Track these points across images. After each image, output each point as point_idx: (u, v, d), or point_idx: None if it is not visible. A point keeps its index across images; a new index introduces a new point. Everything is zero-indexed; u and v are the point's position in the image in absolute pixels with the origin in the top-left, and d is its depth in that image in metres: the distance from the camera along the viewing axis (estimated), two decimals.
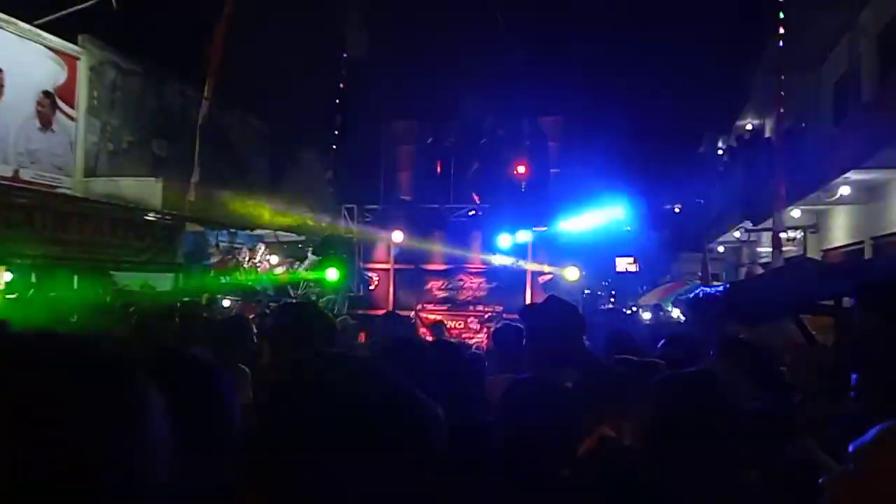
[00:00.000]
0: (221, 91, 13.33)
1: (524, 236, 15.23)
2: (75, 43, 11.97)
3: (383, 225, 15.68)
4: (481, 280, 15.51)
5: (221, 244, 14.87)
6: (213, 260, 14.57)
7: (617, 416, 2.51)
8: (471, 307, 15.41)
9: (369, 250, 15.80)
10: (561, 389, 2.17)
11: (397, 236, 15.09)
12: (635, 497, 1.81)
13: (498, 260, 15.27)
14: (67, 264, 10.11)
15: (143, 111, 13.46)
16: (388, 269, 15.67)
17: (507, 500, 1.85)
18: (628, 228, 19.52)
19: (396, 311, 10.94)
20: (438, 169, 16.62)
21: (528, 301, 14.07)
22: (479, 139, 16.33)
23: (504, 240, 15.07)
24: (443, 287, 15.57)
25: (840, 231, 12.93)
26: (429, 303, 15.42)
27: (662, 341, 5.45)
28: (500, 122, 16.33)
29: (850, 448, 1.28)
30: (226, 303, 11.84)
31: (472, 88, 17.06)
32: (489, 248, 15.39)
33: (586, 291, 17.49)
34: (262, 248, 15.52)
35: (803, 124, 14.80)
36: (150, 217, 11.42)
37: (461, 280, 15.59)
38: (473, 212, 15.57)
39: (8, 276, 9.71)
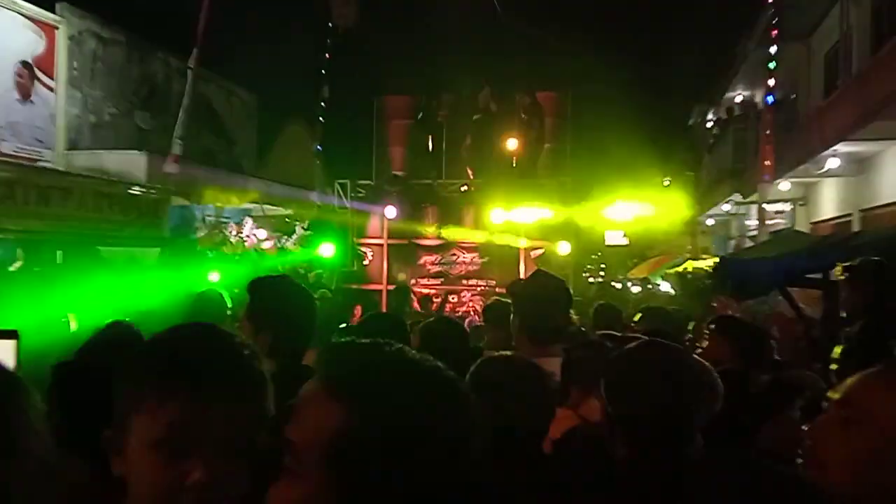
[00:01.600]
0: (207, 61, 13.10)
1: (517, 211, 15.26)
2: (53, 11, 11.69)
3: (376, 200, 15.68)
4: (474, 255, 15.58)
5: (208, 218, 14.73)
6: (200, 234, 14.46)
7: (587, 393, 2.50)
8: (464, 281, 15.49)
9: (362, 225, 15.81)
10: (528, 366, 2.13)
11: (390, 211, 15.10)
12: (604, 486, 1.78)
13: (490, 235, 15.31)
14: (50, 239, 9.98)
15: (125, 82, 13.22)
16: (381, 244, 15.70)
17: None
18: (618, 202, 19.49)
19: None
20: (430, 144, 16.56)
21: (521, 276, 14.09)
22: (472, 114, 16.24)
23: (496, 215, 15.10)
24: (436, 262, 15.64)
25: (829, 204, 12.95)
26: (422, 277, 15.47)
27: (639, 315, 5.43)
28: (493, 96, 16.22)
29: (832, 394, 1.29)
30: (213, 277, 11.73)
31: (465, 62, 16.92)
32: (482, 223, 15.43)
33: (587, 267, 17.59)
34: (249, 222, 15.40)
35: (793, 95, 14.75)
36: (135, 191, 11.28)
37: (454, 255, 15.65)
38: (466, 187, 15.54)
39: None
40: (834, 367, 3.49)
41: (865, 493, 1.19)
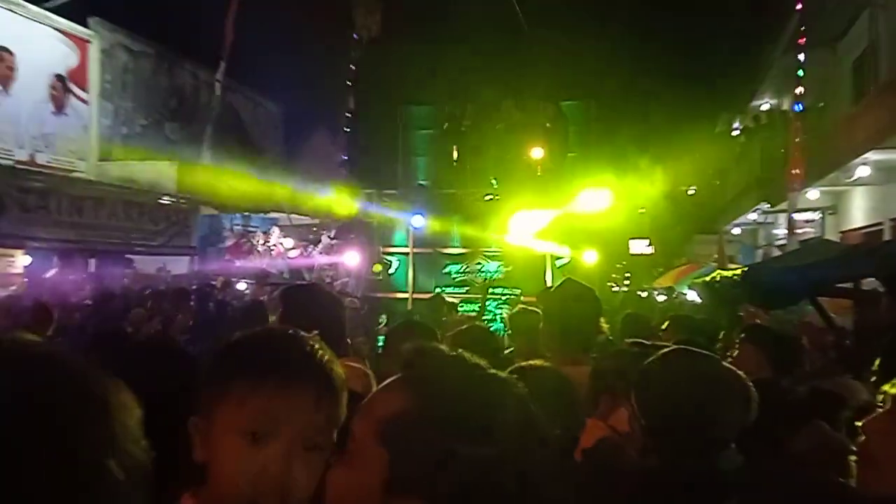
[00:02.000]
0: (233, 73, 13.30)
1: (540, 220, 15.22)
2: (85, 25, 11.96)
3: (402, 209, 15.80)
4: (498, 264, 15.61)
5: (236, 227, 14.92)
6: (228, 243, 14.64)
7: (616, 403, 2.49)
8: (489, 290, 15.52)
9: (388, 234, 15.93)
10: (558, 376, 2.14)
11: (418, 220, 15.22)
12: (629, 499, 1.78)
13: (515, 243, 15.30)
14: (83, 248, 10.18)
15: (155, 94, 13.48)
16: (407, 253, 15.81)
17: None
18: (642, 211, 19.40)
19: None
20: (455, 154, 16.65)
21: (546, 284, 14.06)
22: (496, 123, 16.30)
23: (521, 223, 15.08)
24: (461, 270, 15.72)
25: (859, 212, 12.76)
26: (447, 286, 15.54)
27: (666, 323, 5.40)
28: (517, 105, 16.26)
29: (889, 388, 1.28)
30: (241, 286, 11.88)
31: (489, 72, 16.96)
32: (507, 231, 15.44)
33: (613, 277, 17.57)
34: (276, 231, 15.57)
35: (821, 103, 14.58)
36: (165, 200, 11.46)
37: (479, 263, 15.70)
38: (490, 196, 15.59)
39: (27, 260, 9.77)
40: (873, 378, 3.45)
41: None
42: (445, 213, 15.56)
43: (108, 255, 10.84)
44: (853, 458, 1.30)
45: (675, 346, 2.19)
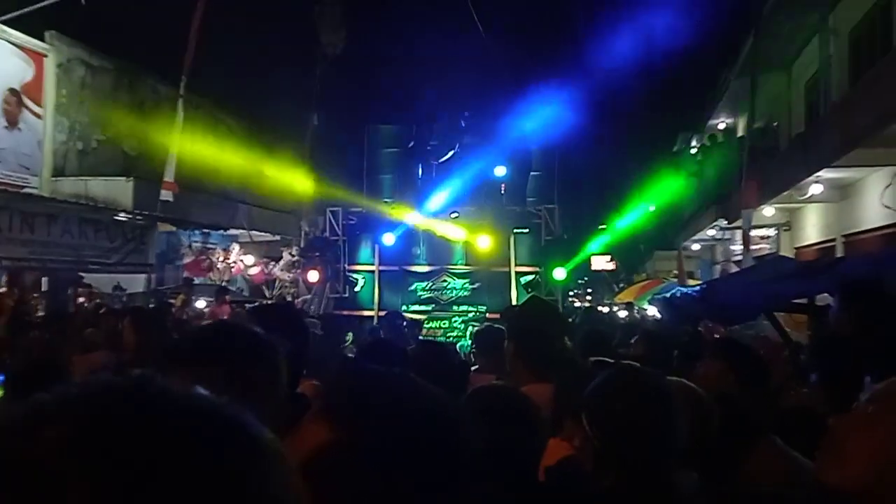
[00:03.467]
0: (196, 88, 13.14)
1: (505, 237, 15.41)
2: (42, 39, 11.72)
3: (367, 227, 15.82)
4: (465, 281, 15.70)
5: (194, 244, 14.68)
6: (186, 260, 14.40)
7: (580, 422, 2.48)
8: (454, 308, 15.60)
9: (354, 252, 15.91)
10: (519, 397, 2.13)
11: (388, 239, 15.29)
12: None
13: (480, 260, 15.42)
14: (35, 266, 9.90)
15: (113, 109, 13.22)
16: (373, 271, 15.81)
17: None
18: (603, 227, 19.66)
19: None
20: (420, 172, 16.77)
21: (512, 301, 14.12)
22: (459, 142, 16.45)
23: (486, 241, 15.23)
24: (427, 288, 15.76)
25: (812, 229, 13.10)
26: (413, 303, 15.56)
27: (635, 338, 5.44)
28: (477, 125, 16.41)
29: (864, 396, 1.31)
30: (200, 304, 11.68)
31: (451, 91, 17.10)
32: (472, 249, 15.56)
33: (575, 292, 17.75)
34: (236, 248, 15.37)
35: (776, 123, 14.98)
36: (121, 217, 11.23)
37: (445, 281, 15.76)
38: (456, 214, 15.68)
39: None
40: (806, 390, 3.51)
41: (879, 491, 1.21)
42: (411, 231, 15.61)
43: (62, 273, 10.57)
44: (818, 451, 1.35)
45: (622, 365, 2.20)
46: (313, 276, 14.72)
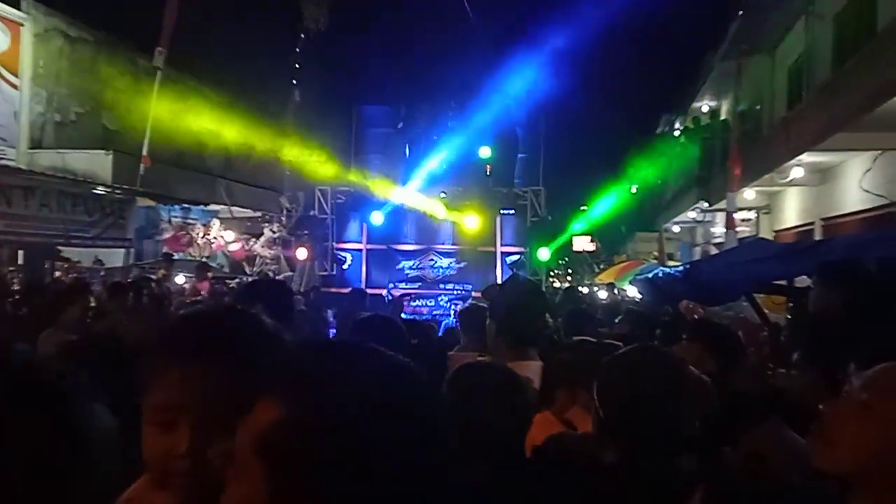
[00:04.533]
0: (177, 62, 12.92)
1: (491, 218, 15.61)
2: (19, 8, 11.44)
3: (356, 206, 15.91)
4: (451, 260, 15.87)
5: (174, 220, 14.53)
6: (166, 236, 14.26)
7: (573, 397, 2.49)
8: (441, 286, 15.76)
9: (342, 230, 15.97)
10: (508, 373, 2.13)
11: (377, 218, 15.37)
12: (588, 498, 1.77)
13: (467, 241, 15.61)
14: (13, 239, 9.76)
15: (92, 81, 12.96)
16: (360, 249, 15.91)
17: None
18: (584, 208, 19.74)
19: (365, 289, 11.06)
20: (407, 152, 16.85)
21: (497, 280, 14.23)
22: (448, 123, 16.52)
23: (473, 221, 15.40)
24: (414, 266, 15.91)
25: (792, 212, 13.22)
26: (400, 281, 15.70)
27: (619, 317, 5.48)
28: (465, 107, 16.44)
29: (854, 382, 1.32)
30: (179, 279, 11.57)
31: (440, 72, 17.05)
32: (459, 228, 15.75)
33: (555, 272, 18.05)
34: (216, 223, 15.24)
35: (758, 107, 15.04)
36: (100, 191, 11.08)
37: (432, 260, 15.94)
38: (443, 194, 15.77)
39: None
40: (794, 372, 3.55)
41: (867, 475, 1.24)
42: (399, 211, 15.73)
43: (39, 247, 10.42)
44: (809, 436, 1.37)
45: (642, 344, 2.19)
46: (302, 253, 14.77)
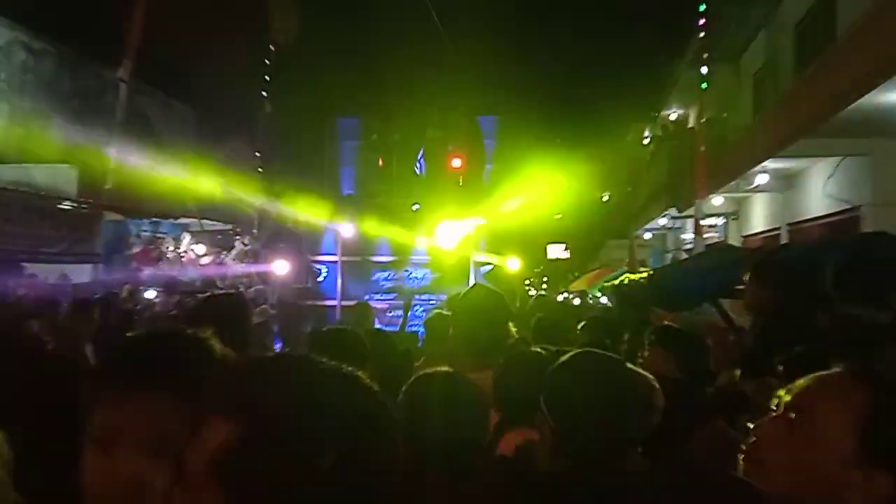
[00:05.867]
0: (143, 74, 12.80)
1: (464, 229, 15.69)
2: None
3: (330, 218, 15.92)
4: (426, 271, 15.92)
5: (143, 234, 14.36)
6: (135, 250, 14.07)
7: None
8: (417, 297, 15.82)
9: (316, 242, 15.93)
10: (464, 382, 2.14)
11: (347, 230, 15.36)
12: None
13: (440, 251, 15.67)
14: None
15: (56, 94, 12.78)
16: (335, 261, 15.89)
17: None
18: (559, 217, 19.87)
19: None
20: (380, 163, 16.92)
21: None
22: (422, 135, 16.66)
23: (446, 232, 15.47)
24: (389, 278, 15.93)
25: (759, 218, 13.42)
26: (376, 293, 15.70)
27: (581, 324, 5.52)
28: (439, 119, 16.59)
29: (781, 394, 1.29)
30: (149, 294, 11.42)
31: (414, 86, 17.13)
32: (432, 240, 15.80)
33: (530, 280, 18.23)
34: (187, 237, 15.07)
35: (724, 114, 15.27)
36: (65, 206, 10.92)
37: (407, 271, 15.98)
38: (416, 205, 15.84)
39: None
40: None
41: (798, 495, 1.20)
42: (373, 222, 15.76)
43: (3, 263, 10.23)
44: (741, 456, 1.33)
45: (581, 349, 2.21)
46: (281, 266, 14.66)
